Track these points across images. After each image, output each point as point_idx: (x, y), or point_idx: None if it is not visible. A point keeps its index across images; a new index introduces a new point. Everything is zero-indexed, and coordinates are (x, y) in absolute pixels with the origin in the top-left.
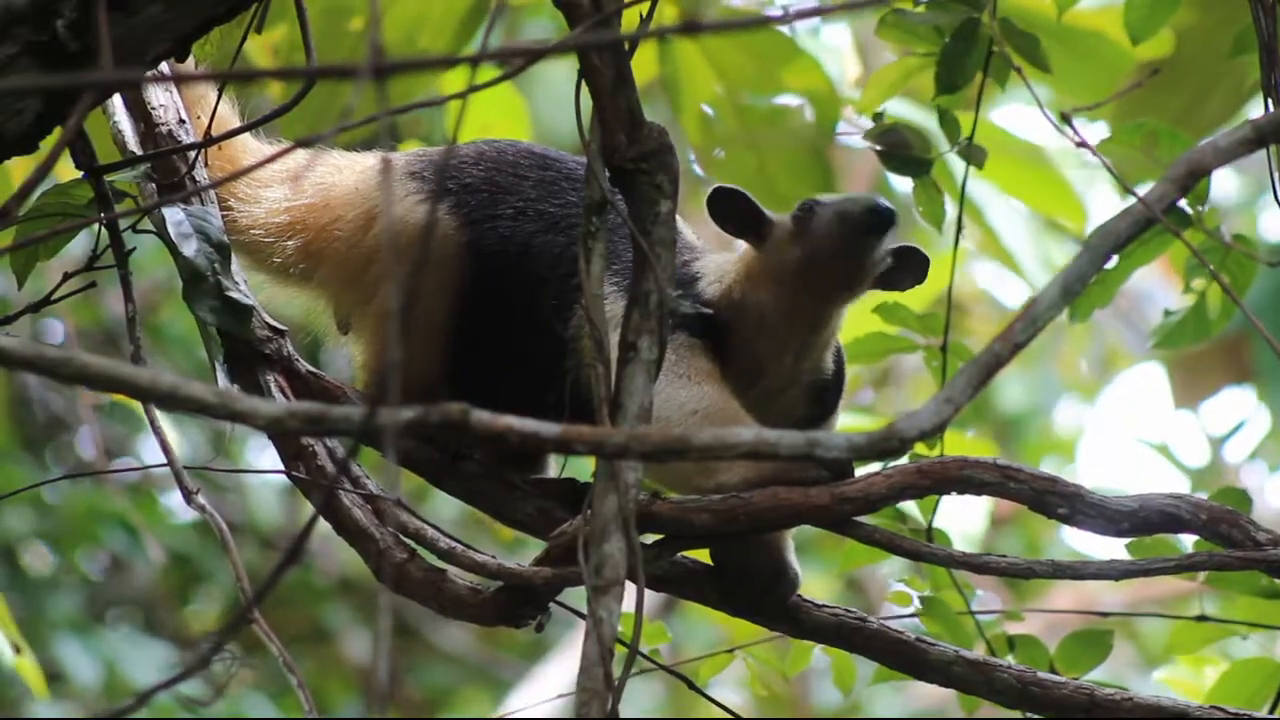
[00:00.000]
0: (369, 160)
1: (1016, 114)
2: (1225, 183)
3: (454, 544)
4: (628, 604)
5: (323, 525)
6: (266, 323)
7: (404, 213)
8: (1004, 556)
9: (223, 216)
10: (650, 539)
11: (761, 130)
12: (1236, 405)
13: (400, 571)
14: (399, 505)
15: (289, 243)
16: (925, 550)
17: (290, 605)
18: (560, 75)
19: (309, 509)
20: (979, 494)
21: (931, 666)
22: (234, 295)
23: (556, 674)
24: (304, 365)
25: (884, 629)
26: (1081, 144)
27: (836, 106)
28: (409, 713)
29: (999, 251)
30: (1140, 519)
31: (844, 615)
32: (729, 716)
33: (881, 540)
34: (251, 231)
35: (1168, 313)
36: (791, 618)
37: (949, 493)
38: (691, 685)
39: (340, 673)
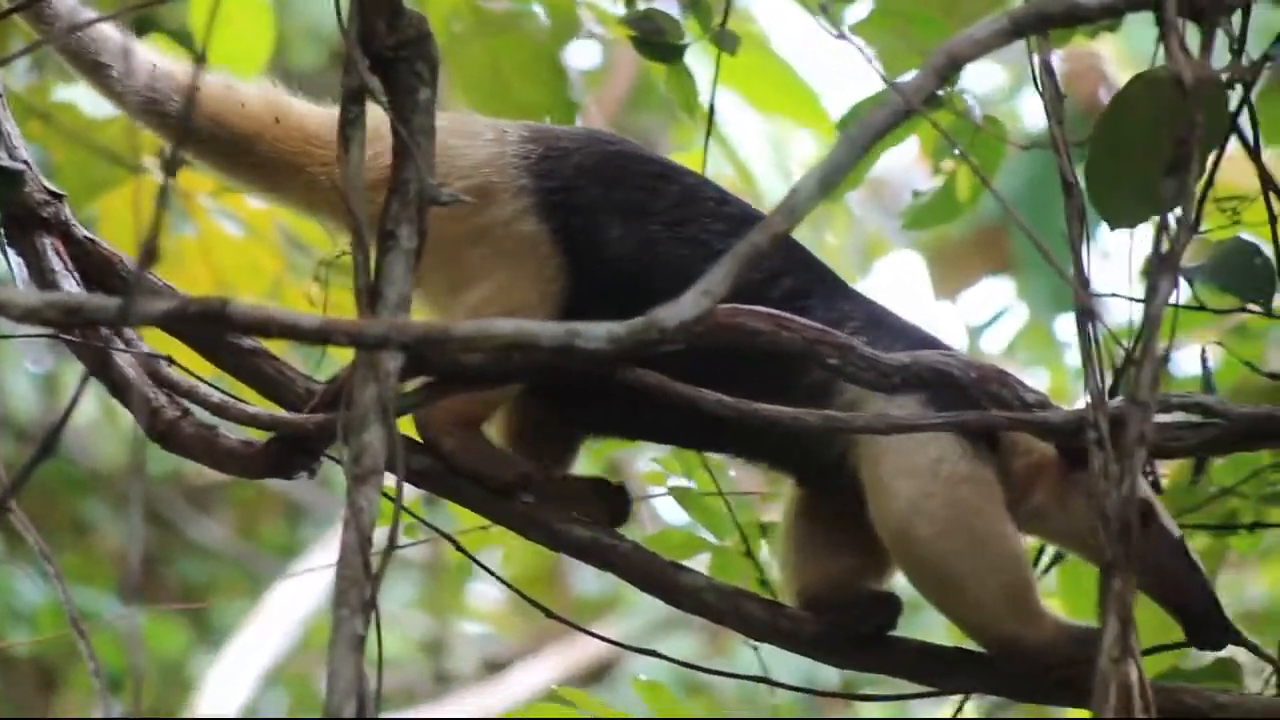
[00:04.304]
0: (480, 125)
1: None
2: (988, 75)
3: (226, 398)
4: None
5: (81, 416)
6: (44, 186)
7: (510, 217)
8: (770, 406)
9: (311, 183)
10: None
11: (497, 32)
12: (995, 295)
13: (172, 428)
14: (171, 363)
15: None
16: (696, 396)
17: (48, 497)
18: None
19: (66, 402)
20: (751, 341)
21: (683, 591)
22: (3, 163)
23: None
24: (81, 230)
25: (637, 549)
26: (840, 36)
27: (573, 10)
28: (165, 605)
29: (734, 162)
30: (912, 374)
31: (599, 532)
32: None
33: (652, 383)
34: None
35: (916, 194)
36: (548, 529)
37: (722, 339)
38: (458, 546)
39: (100, 565)
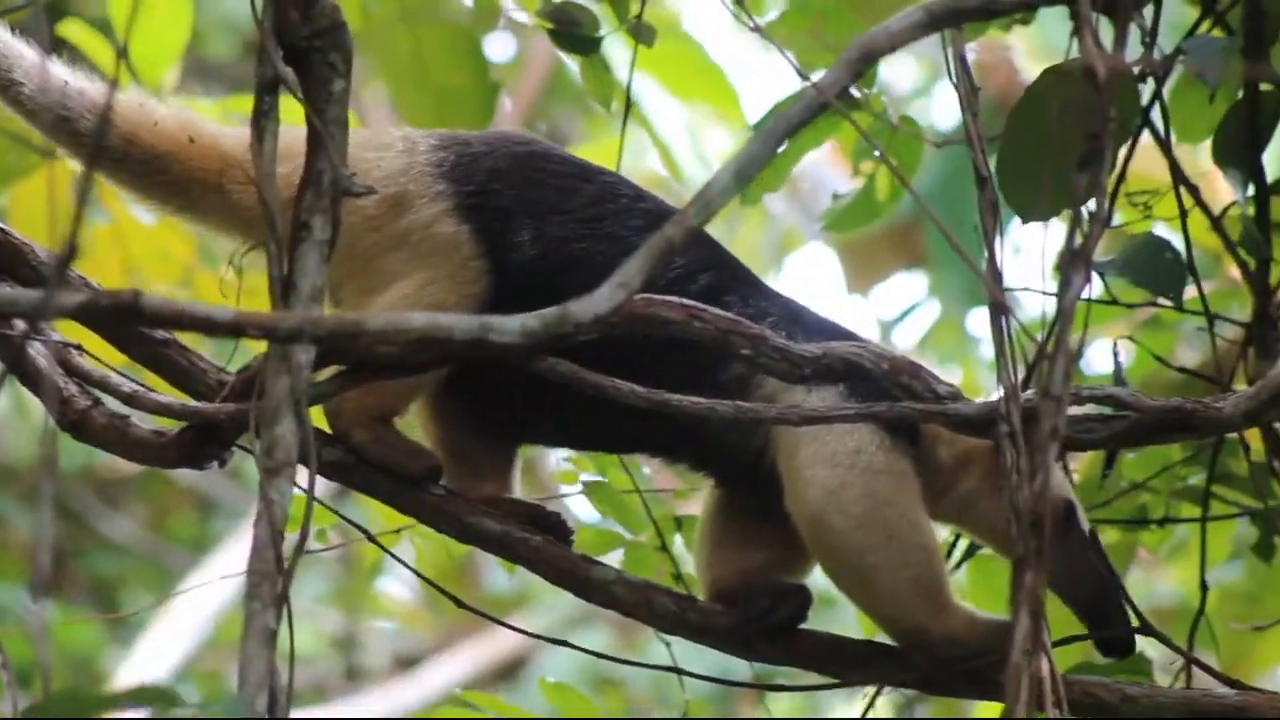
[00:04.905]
0: (390, 137)
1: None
2: (904, 72)
3: (137, 388)
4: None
5: None
6: None
7: (428, 220)
8: (684, 397)
9: (226, 201)
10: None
11: (418, 15)
12: (907, 290)
13: (84, 418)
14: (82, 352)
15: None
16: (609, 386)
17: None
18: None
19: None
20: (664, 332)
21: (593, 585)
22: None
23: (224, 564)
24: None
25: (548, 543)
26: (756, 29)
27: None
28: (75, 600)
29: (656, 143)
30: (823, 365)
31: (509, 526)
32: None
33: (565, 372)
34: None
35: (836, 196)
36: (458, 521)
37: (636, 330)
38: (373, 539)
39: (9, 559)
